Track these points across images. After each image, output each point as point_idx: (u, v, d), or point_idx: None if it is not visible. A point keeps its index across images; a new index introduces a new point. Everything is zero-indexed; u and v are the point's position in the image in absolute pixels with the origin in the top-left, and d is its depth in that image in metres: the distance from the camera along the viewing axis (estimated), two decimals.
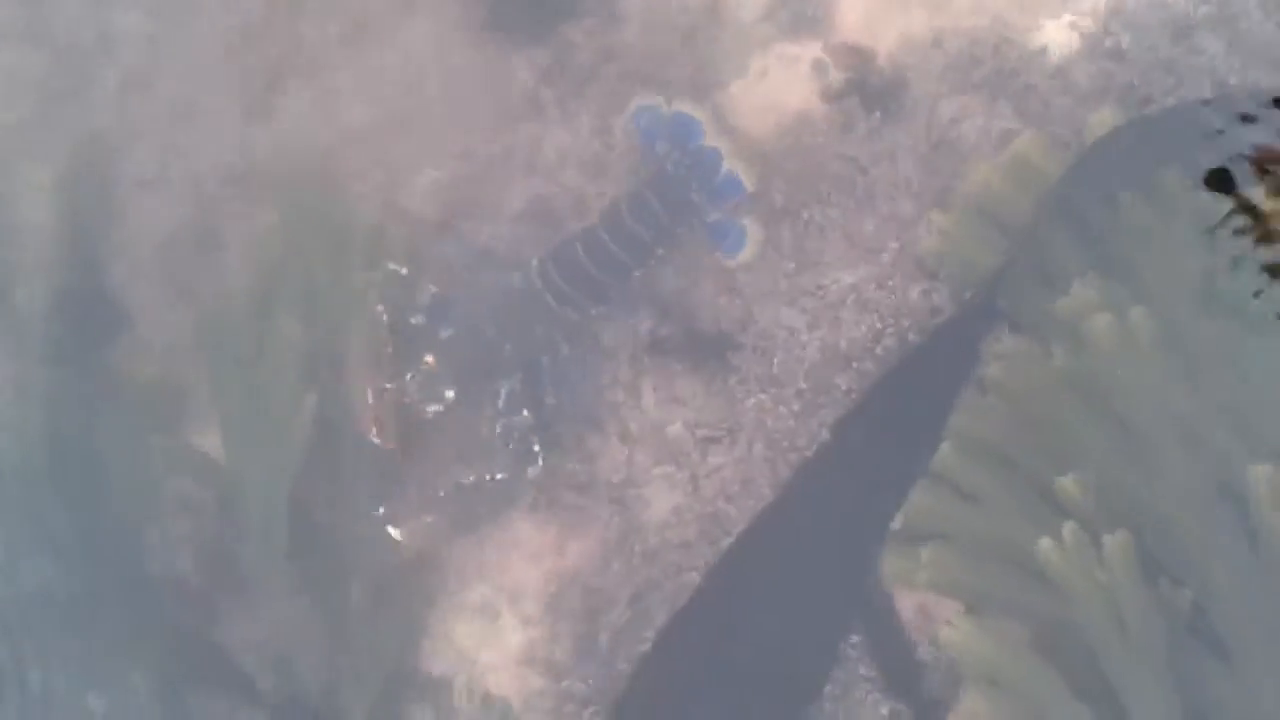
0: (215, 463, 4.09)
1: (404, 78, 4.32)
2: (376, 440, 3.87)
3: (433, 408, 3.83)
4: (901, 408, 3.53)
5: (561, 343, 3.84)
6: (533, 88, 4.15)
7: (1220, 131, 3.32)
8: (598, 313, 3.84)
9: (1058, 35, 3.73)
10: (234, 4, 4.52)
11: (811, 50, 3.89)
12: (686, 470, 3.80)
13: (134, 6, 4.65)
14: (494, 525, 3.93)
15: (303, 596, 3.98)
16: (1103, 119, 3.51)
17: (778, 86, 3.91)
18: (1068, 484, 3.15)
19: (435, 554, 3.96)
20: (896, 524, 3.41)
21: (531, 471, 3.83)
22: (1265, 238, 3.23)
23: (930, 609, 3.48)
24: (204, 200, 4.46)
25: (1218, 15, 3.62)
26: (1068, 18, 3.73)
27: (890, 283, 3.70)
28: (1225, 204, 3.26)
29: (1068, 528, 3.07)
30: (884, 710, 3.52)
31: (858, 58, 3.80)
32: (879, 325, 3.69)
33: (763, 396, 3.76)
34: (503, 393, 3.81)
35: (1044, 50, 3.72)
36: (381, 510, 3.90)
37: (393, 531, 3.88)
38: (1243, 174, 3.27)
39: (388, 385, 3.84)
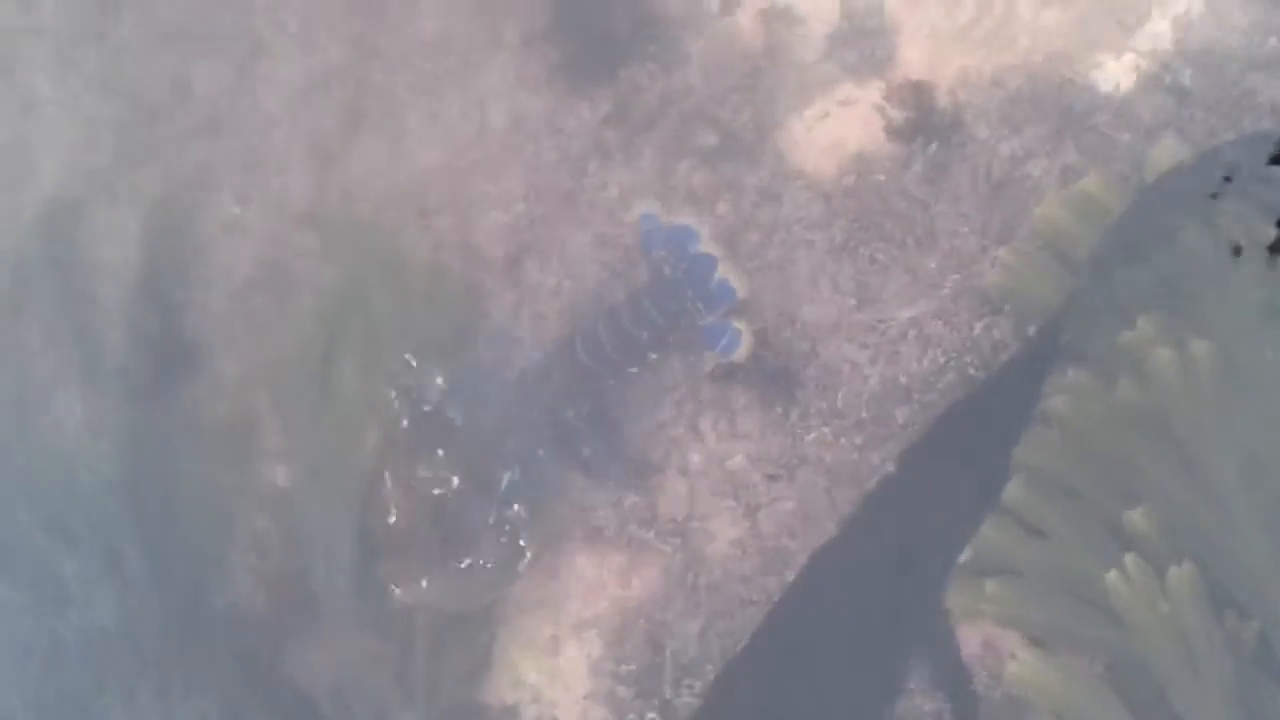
0: (285, 495, 4.17)
1: (472, 123, 4.41)
2: (392, 520, 3.98)
3: (438, 491, 3.94)
4: (965, 441, 3.53)
5: (549, 442, 3.97)
6: (597, 129, 4.23)
7: None
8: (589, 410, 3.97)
9: (1119, 72, 3.75)
10: (309, 52, 4.65)
11: (873, 89, 3.94)
12: (748, 504, 3.82)
13: (210, 55, 4.78)
14: (556, 556, 3.99)
15: (366, 630, 4.04)
16: (1165, 153, 3.51)
17: (839, 125, 3.96)
18: (1136, 518, 3.14)
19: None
20: (963, 557, 3.40)
21: (521, 565, 3.94)
22: None
23: (995, 643, 3.46)
24: (277, 244, 4.58)
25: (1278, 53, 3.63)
26: (1130, 56, 3.75)
27: (953, 318, 3.72)
28: None
29: (1129, 559, 3.06)
30: None
31: (919, 96, 3.84)
32: (941, 359, 3.71)
33: (825, 430, 3.78)
34: (504, 481, 3.93)
35: (1106, 87, 3.74)
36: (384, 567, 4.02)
37: (394, 589, 3.99)
38: None
39: (400, 468, 3.97)
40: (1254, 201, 3.33)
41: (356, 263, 4.34)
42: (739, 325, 3.85)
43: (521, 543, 3.92)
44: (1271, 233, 3.29)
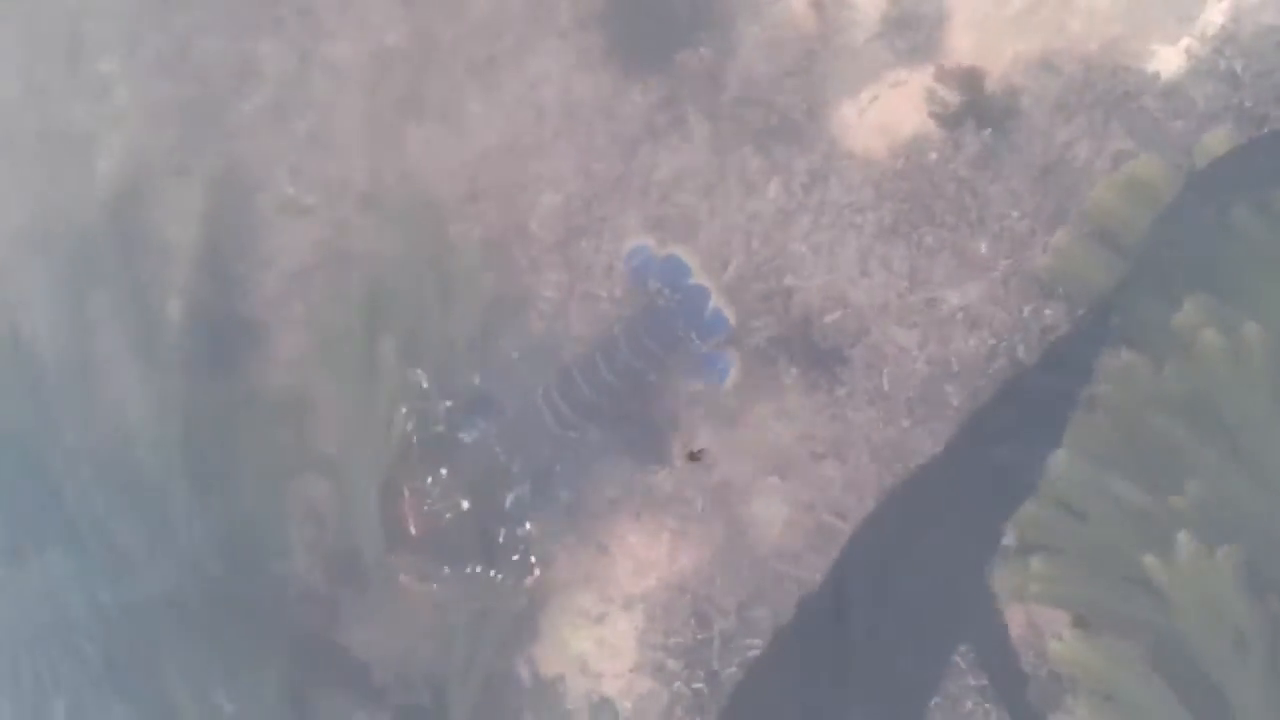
0: (337, 471, 4.27)
1: (528, 106, 4.47)
2: (411, 530, 4.10)
3: (449, 514, 4.05)
4: (1014, 423, 3.55)
5: (557, 461, 4.09)
6: (649, 114, 4.28)
7: None
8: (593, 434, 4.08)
9: (1173, 59, 3.75)
10: (368, 36, 4.73)
11: (924, 73, 3.96)
12: (795, 482, 3.86)
13: (272, 37, 4.88)
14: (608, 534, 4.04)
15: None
16: (1217, 139, 3.51)
17: (890, 109, 3.99)
18: (1181, 500, 3.15)
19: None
20: (1008, 538, 3.43)
21: (529, 581, 4.05)
22: None
23: (1039, 622, 3.49)
24: (335, 225, 4.67)
25: None
26: (1184, 42, 3.75)
27: (1002, 301, 3.74)
28: None
29: (1183, 536, 3.07)
30: None
31: (970, 80, 3.86)
32: (991, 342, 3.73)
33: (872, 411, 3.82)
34: (510, 499, 4.04)
35: (1158, 74, 3.74)
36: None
37: (403, 578, 4.12)
38: None
39: (416, 485, 4.10)
40: None
41: (409, 245, 4.42)
42: (730, 355, 3.94)
43: (531, 560, 4.05)
44: None
